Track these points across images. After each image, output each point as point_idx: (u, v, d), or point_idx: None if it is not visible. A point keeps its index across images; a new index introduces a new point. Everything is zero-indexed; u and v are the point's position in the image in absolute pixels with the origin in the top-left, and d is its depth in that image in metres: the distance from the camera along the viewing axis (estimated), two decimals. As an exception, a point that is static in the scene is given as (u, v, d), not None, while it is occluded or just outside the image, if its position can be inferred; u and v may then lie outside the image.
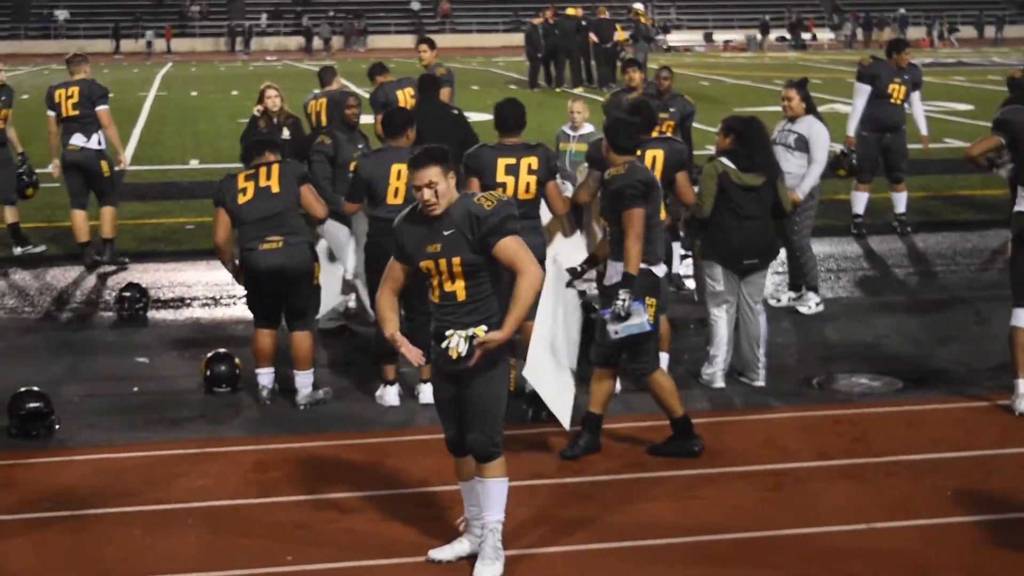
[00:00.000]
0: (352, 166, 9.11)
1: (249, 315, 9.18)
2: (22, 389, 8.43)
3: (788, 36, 60.38)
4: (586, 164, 9.25)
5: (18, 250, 13.88)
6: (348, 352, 10.21)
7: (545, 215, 9.00)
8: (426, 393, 8.59)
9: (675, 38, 60.07)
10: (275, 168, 8.77)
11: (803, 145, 10.73)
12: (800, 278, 11.33)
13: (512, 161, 8.56)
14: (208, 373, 9.21)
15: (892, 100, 13.85)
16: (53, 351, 10.42)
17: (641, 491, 7.27)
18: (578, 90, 32.50)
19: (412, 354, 6.04)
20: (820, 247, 13.14)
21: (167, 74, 43.43)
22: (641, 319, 7.58)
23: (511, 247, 6.00)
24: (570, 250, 9.68)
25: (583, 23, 34.50)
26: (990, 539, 6.58)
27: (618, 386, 8.45)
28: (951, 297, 11.89)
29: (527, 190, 8.56)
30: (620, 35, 34.82)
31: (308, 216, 9.04)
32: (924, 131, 14.49)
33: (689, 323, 10.66)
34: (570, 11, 35.43)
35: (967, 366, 9.61)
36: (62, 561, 6.52)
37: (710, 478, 7.47)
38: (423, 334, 6.51)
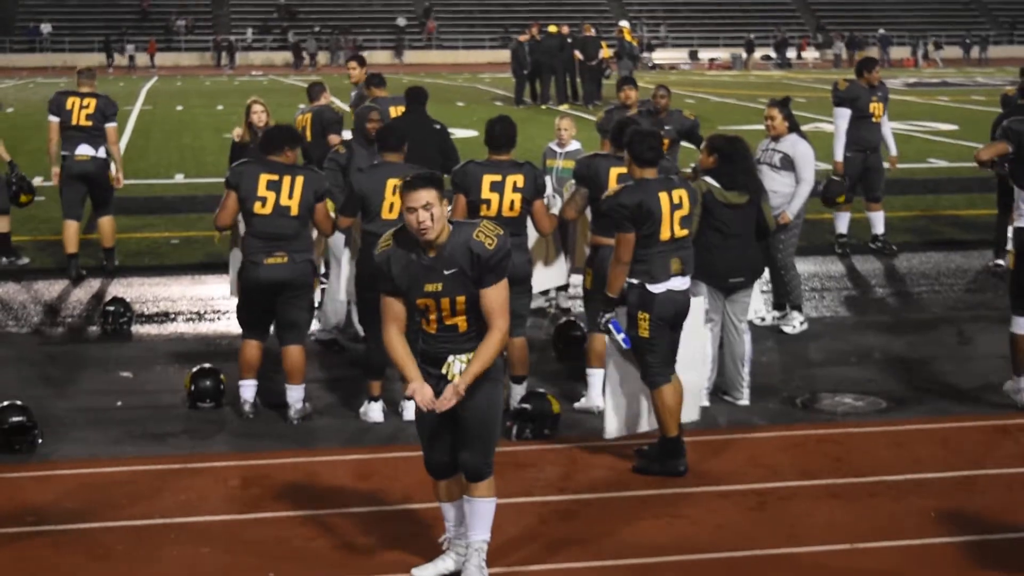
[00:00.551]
0: None
1: (235, 330, 9.15)
2: (4, 403, 8.38)
3: (773, 55, 60.65)
4: (573, 181, 9.26)
5: (3, 260, 13.81)
6: (334, 367, 10.20)
7: (532, 234, 9.02)
8: (410, 410, 8.55)
9: (660, 56, 60.20)
10: (299, 182, 8.68)
11: (788, 164, 10.76)
12: (784, 297, 11.34)
13: (498, 178, 8.56)
14: (192, 388, 9.18)
15: (874, 119, 13.88)
16: (36, 365, 10.38)
17: (626, 510, 7.26)
18: (563, 107, 32.57)
19: (426, 401, 5.99)
20: (804, 266, 13.16)
21: (152, 88, 43.41)
22: (617, 337, 7.73)
23: (497, 298, 6.01)
24: (547, 273, 9.71)
25: (568, 40, 34.58)
26: (973, 559, 6.59)
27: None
28: (935, 317, 11.91)
29: (511, 207, 8.56)
30: (606, 52, 34.94)
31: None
32: (894, 151, 14.46)
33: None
34: (552, 29, 35.55)
35: (951, 386, 9.63)
36: (44, 576, 6.50)
37: (695, 497, 7.47)
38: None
